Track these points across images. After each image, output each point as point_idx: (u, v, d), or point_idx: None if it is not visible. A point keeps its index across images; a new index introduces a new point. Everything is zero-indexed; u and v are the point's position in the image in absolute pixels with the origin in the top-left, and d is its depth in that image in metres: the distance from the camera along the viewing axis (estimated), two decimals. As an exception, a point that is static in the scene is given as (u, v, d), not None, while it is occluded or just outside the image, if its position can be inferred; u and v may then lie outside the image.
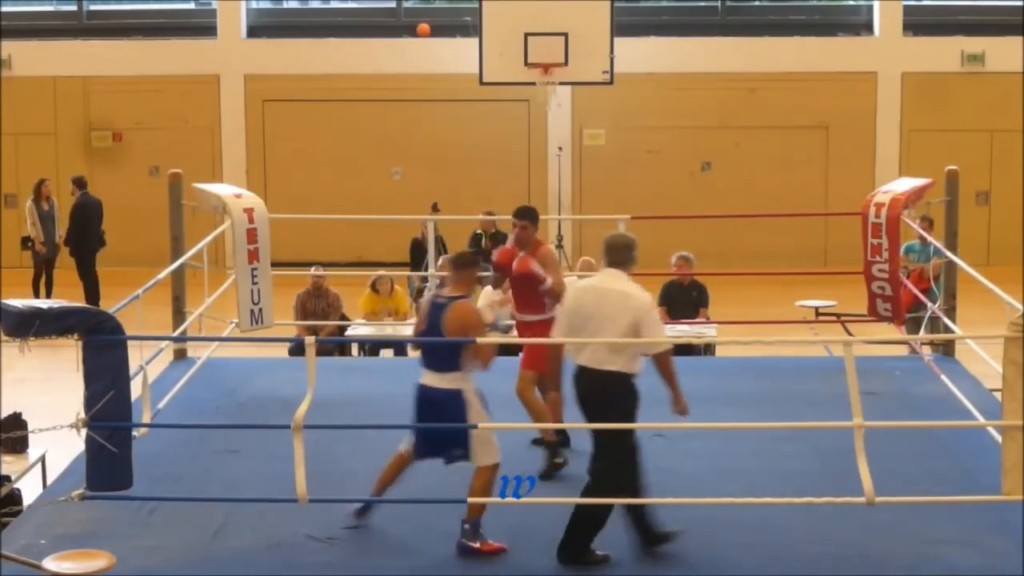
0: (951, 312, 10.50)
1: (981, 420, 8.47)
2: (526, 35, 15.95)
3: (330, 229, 18.27)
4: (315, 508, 6.98)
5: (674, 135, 19.58)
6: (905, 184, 10.67)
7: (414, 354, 12.88)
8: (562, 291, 7.97)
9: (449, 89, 19.13)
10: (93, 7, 20.50)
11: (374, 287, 12.94)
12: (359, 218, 16.99)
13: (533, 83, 16.22)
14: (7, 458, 8.87)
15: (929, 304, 10.58)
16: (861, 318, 11.32)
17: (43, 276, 16.46)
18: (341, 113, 19.76)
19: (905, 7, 19.75)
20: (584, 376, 6.75)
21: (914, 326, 11.21)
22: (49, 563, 6.44)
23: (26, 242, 16.61)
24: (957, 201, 10.72)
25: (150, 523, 7.20)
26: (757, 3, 20.82)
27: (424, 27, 18.15)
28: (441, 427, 6.92)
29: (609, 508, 6.71)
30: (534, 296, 8.09)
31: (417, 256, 15.10)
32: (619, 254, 6.85)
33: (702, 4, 20.52)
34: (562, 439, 8.15)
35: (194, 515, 7.28)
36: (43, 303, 6.85)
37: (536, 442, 8.20)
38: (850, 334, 11.81)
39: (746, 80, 19.48)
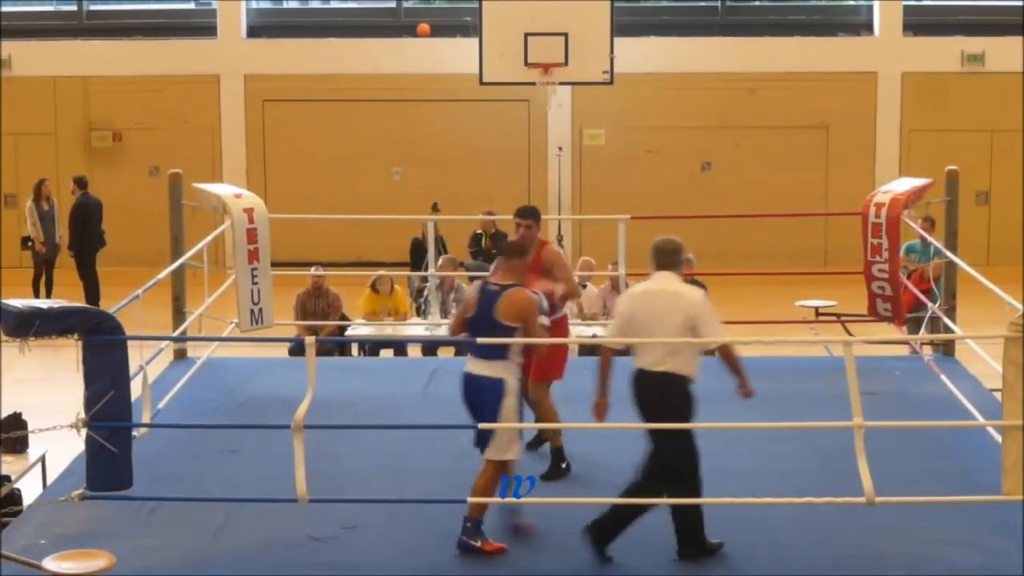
0: (951, 312, 10.50)
1: (981, 420, 8.47)
2: (526, 35, 15.94)
3: (330, 229, 18.27)
4: (315, 508, 6.98)
5: (674, 135, 19.58)
6: (905, 184, 10.68)
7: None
8: (575, 289, 7.97)
9: (449, 89, 19.13)
10: (93, 7, 20.50)
11: (374, 287, 12.94)
12: (359, 218, 16.99)
13: (533, 83, 16.21)
14: (7, 458, 8.87)
15: (929, 304, 10.58)
16: (861, 318, 11.32)
17: (43, 276, 16.46)
18: (341, 113, 19.76)
19: (905, 7, 19.75)
20: (642, 379, 6.76)
21: (914, 326, 11.21)
22: (49, 563, 6.44)
23: (26, 242, 16.61)
24: (957, 201, 10.72)
25: (150, 523, 7.20)
26: (757, 3, 20.82)
27: (424, 27, 18.15)
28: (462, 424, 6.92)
29: (695, 495, 6.73)
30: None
31: (417, 256, 15.09)
32: (668, 257, 6.91)
33: (702, 4, 20.52)
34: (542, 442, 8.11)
35: (194, 515, 7.28)
36: (43, 303, 6.86)
37: (532, 446, 8.17)
38: (850, 334, 11.81)
39: (746, 80, 19.48)
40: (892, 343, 11.51)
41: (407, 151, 19.78)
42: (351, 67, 19.67)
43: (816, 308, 13.53)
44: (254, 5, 20.56)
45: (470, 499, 6.87)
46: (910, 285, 11.33)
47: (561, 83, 16.35)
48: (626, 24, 17.71)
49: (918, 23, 19.75)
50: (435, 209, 14.61)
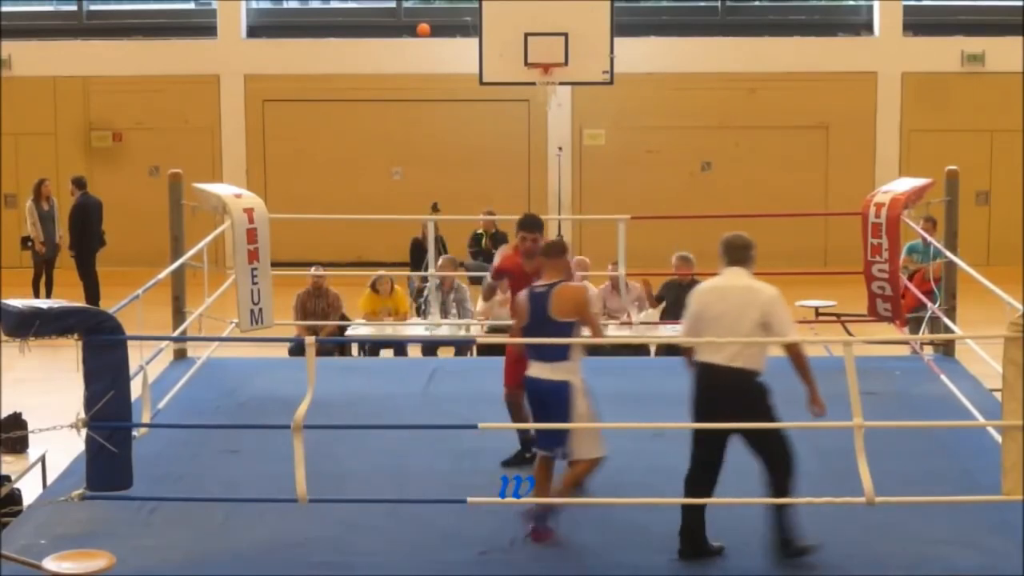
0: (951, 312, 10.50)
1: (981, 420, 8.47)
2: (526, 35, 15.94)
3: (330, 229, 18.27)
4: (315, 508, 6.98)
5: (674, 135, 19.58)
6: (905, 184, 10.68)
7: (442, 352, 12.91)
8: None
9: (449, 89, 19.13)
10: (93, 7, 20.50)
11: (374, 287, 12.93)
12: (359, 218, 16.99)
13: (533, 83, 16.21)
14: (7, 458, 8.87)
15: (929, 304, 10.58)
16: (861, 318, 11.32)
17: (43, 276, 16.46)
18: (341, 113, 19.76)
19: (905, 7, 19.75)
20: (714, 374, 6.71)
21: (914, 326, 11.21)
22: (49, 563, 6.45)
23: (26, 242, 16.61)
24: (957, 201, 10.73)
25: (150, 523, 7.20)
26: (757, 3, 20.82)
27: (424, 27, 18.15)
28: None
29: (788, 492, 6.72)
30: None
31: (417, 256, 15.10)
32: (740, 252, 6.91)
33: (702, 4, 20.52)
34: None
35: (194, 515, 7.28)
36: (43, 303, 6.86)
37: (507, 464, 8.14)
38: (850, 334, 11.81)
39: (746, 80, 19.48)
40: (892, 343, 11.50)
41: (407, 151, 19.78)
42: (351, 67, 19.67)
43: (816, 308, 13.53)
44: (254, 5, 20.56)
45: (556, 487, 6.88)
46: (911, 286, 11.33)
47: (561, 83, 16.34)
48: (626, 24, 17.70)
49: (918, 23, 19.76)
50: (435, 209, 14.61)
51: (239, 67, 19.82)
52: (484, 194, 18.19)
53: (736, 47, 19.57)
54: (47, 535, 6.98)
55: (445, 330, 12.36)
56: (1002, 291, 8.35)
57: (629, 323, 11.71)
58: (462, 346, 12.55)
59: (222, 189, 10.54)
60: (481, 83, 16.44)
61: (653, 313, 12.20)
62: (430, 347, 12.82)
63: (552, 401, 6.88)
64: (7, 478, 8.42)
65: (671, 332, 11.86)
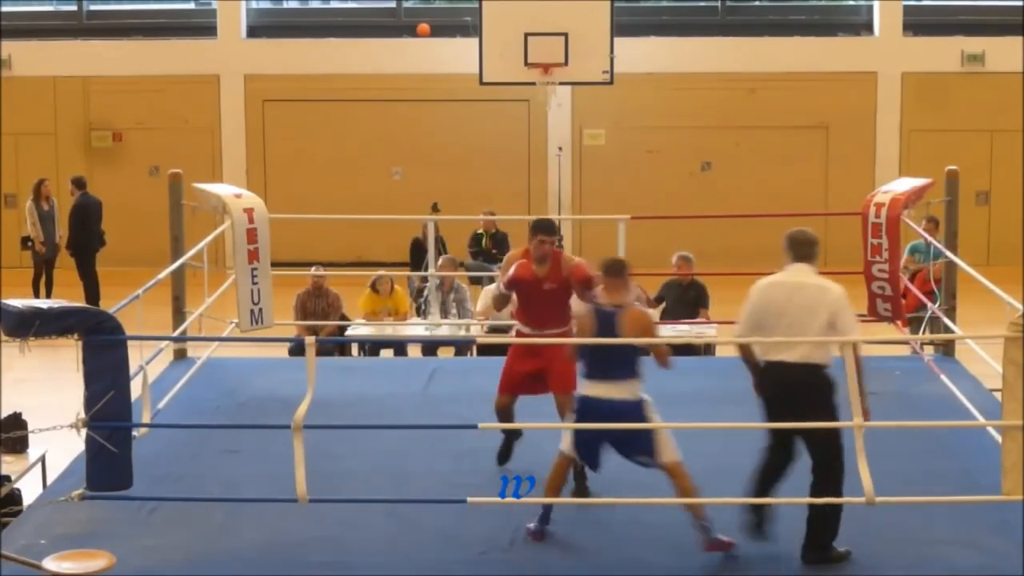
0: (951, 312, 10.50)
1: (981, 420, 8.47)
2: (526, 35, 15.94)
3: (330, 229, 18.27)
4: (315, 508, 6.98)
5: (674, 135, 19.57)
6: (905, 184, 10.67)
7: (442, 352, 12.91)
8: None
9: (449, 89, 19.12)
10: (93, 7, 20.50)
11: (374, 287, 12.93)
12: (359, 218, 16.99)
13: (533, 83, 16.21)
14: (7, 458, 8.87)
15: (929, 304, 10.58)
16: (861, 318, 11.30)
17: (43, 276, 16.46)
18: (341, 113, 19.76)
19: (905, 7, 19.75)
20: (785, 371, 6.71)
21: (914, 326, 11.21)
22: (49, 563, 6.45)
23: (26, 242, 16.61)
24: (957, 201, 10.73)
25: (150, 523, 7.20)
26: (757, 3, 20.82)
27: (424, 27, 18.15)
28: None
29: (839, 502, 6.72)
30: (562, 307, 7.87)
31: (417, 256, 15.10)
32: (805, 249, 6.90)
33: (702, 4, 20.52)
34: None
35: (194, 515, 7.28)
36: (43, 303, 6.85)
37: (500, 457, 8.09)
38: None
39: (746, 80, 19.48)
40: (892, 343, 11.50)
41: (407, 151, 19.78)
42: (351, 67, 19.67)
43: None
44: (254, 5, 20.56)
45: (687, 502, 6.82)
46: (912, 288, 11.33)
47: (561, 83, 16.35)
48: (626, 24, 17.70)
49: (918, 23, 19.75)
50: (435, 209, 14.62)
51: (239, 67, 19.82)
52: (484, 194, 18.19)
53: (736, 47, 19.57)
54: (47, 535, 6.98)
55: (445, 330, 12.36)
56: (1002, 291, 8.34)
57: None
58: (462, 346, 12.55)
59: (222, 189, 10.53)
60: (481, 83, 16.45)
61: (653, 313, 12.19)
62: (430, 347, 12.82)
63: (627, 418, 6.83)
64: (7, 478, 8.42)
65: (671, 332, 11.87)
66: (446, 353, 12.81)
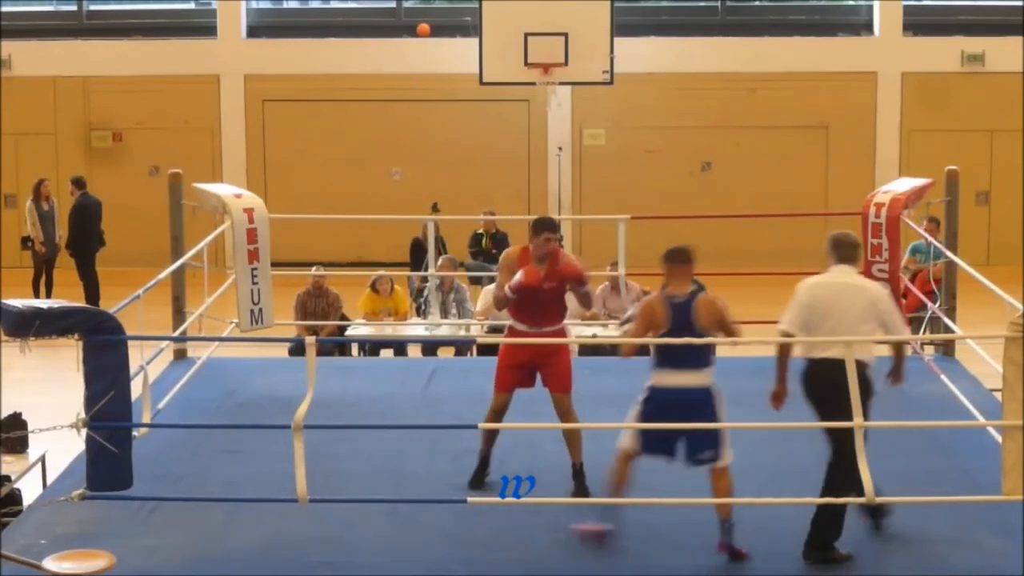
0: (951, 312, 10.50)
1: (981, 420, 8.47)
2: (526, 35, 15.94)
3: (330, 229, 18.27)
4: (315, 508, 6.98)
5: (674, 135, 19.58)
6: (905, 184, 10.68)
7: (442, 352, 12.91)
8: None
9: (449, 89, 19.12)
10: (93, 7, 20.49)
11: (374, 287, 12.93)
12: (359, 218, 16.98)
13: (533, 83, 16.21)
14: (7, 458, 8.87)
15: (929, 304, 10.58)
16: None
17: (43, 276, 16.46)
18: (341, 113, 19.76)
19: (905, 7, 19.75)
20: (835, 368, 6.72)
21: (915, 326, 11.21)
22: (49, 563, 6.45)
23: (26, 242, 16.61)
24: (957, 201, 10.73)
25: (150, 523, 7.20)
26: (757, 3, 20.82)
27: (424, 27, 18.14)
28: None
29: (844, 505, 6.76)
30: (558, 305, 7.84)
31: (417, 256, 15.10)
32: (849, 251, 7.02)
33: (702, 4, 20.52)
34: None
35: (194, 515, 7.28)
36: (43, 303, 6.85)
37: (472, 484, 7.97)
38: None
39: (746, 80, 19.48)
40: (892, 343, 11.47)
41: (407, 151, 19.78)
42: (351, 67, 19.67)
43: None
44: (254, 5, 20.56)
45: (722, 502, 6.83)
46: (913, 288, 11.32)
47: (561, 83, 16.34)
48: (626, 24, 17.70)
49: (918, 23, 19.75)
50: (435, 209, 14.61)
51: (239, 67, 19.82)
52: (484, 194, 18.19)
53: (736, 47, 19.57)
54: (47, 535, 6.98)
55: (445, 330, 12.36)
56: (1002, 291, 8.35)
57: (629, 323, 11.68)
58: (462, 346, 12.55)
59: (222, 189, 10.54)
60: (481, 83, 16.44)
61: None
62: (430, 347, 12.82)
63: (700, 406, 6.82)
64: (7, 478, 8.42)
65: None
66: (446, 353, 12.81)
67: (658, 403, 6.85)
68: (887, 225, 10.05)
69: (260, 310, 10.01)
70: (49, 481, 8.54)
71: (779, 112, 19.46)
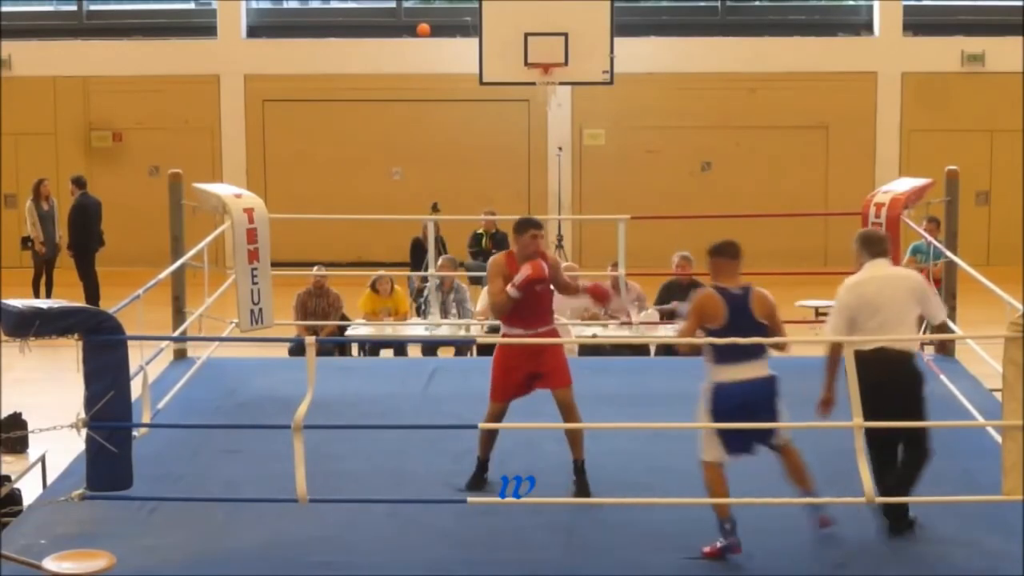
0: (951, 312, 10.49)
1: (981, 420, 8.47)
2: (526, 35, 15.95)
3: (330, 229, 18.27)
4: (315, 508, 6.98)
5: (674, 135, 19.58)
6: (905, 184, 10.68)
7: (442, 352, 12.91)
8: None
9: (449, 89, 19.13)
10: (93, 7, 20.50)
11: (374, 287, 12.93)
12: (359, 218, 16.99)
13: (533, 83, 16.22)
14: (7, 458, 8.87)
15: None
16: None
17: (43, 276, 16.46)
18: (341, 113, 19.77)
19: (905, 7, 19.76)
20: (890, 359, 6.89)
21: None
22: (49, 563, 6.44)
23: (26, 242, 16.61)
24: (957, 201, 10.73)
25: (150, 523, 7.19)
26: (757, 3, 20.82)
27: (424, 27, 18.15)
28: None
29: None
30: (548, 305, 7.78)
31: (417, 256, 15.10)
32: (880, 245, 7.26)
33: (702, 4, 20.52)
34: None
35: (194, 515, 7.28)
36: (43, 303, 6.85)
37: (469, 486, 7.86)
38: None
39: (746, 80, 19.48)
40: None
41: (407, 151, 19.79)
42: (351, 67, 19.67)
43: (816, 308, 13.52)
44: (254, 5, 20.56)
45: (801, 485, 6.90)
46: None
47: (561, 83, 16.35)
48: (626, 24, 17.71)
49: (918, 23, 19.76)
50: (435, 209, 14.62)
51: (239, 67, 19.83)
52: (484, 194, 18.19)
53: (736, 47, 19.58)
54: (47, 535, 6.98)
55: (445, 330, 12.36)
56: (1002, 291, 8.34)
57: (629, 323, 11.71)
58: (462, 346, 12.55)
59: (222, 189, 10.54)
60: (481, 83, 16.46)
61: (653, 313, 12.20)
62: (430, 347, 12.82)
63: (769, 397, 6.83)
64: (7, 478, 8.41)
65: (670, 332, 11.87)
66: (446, 353, 12.81)
67: (727, 401, 6.82)
68: (887, 225, 10.05)
69: (260, 310, 10.01)
70: (49, 481, 8.54)
71: (779, 112, 19.46)
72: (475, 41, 16.44)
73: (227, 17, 19.92)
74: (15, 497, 8.33)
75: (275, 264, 10.36)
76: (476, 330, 12.19)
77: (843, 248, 14.54)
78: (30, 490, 8.56)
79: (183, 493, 7.61)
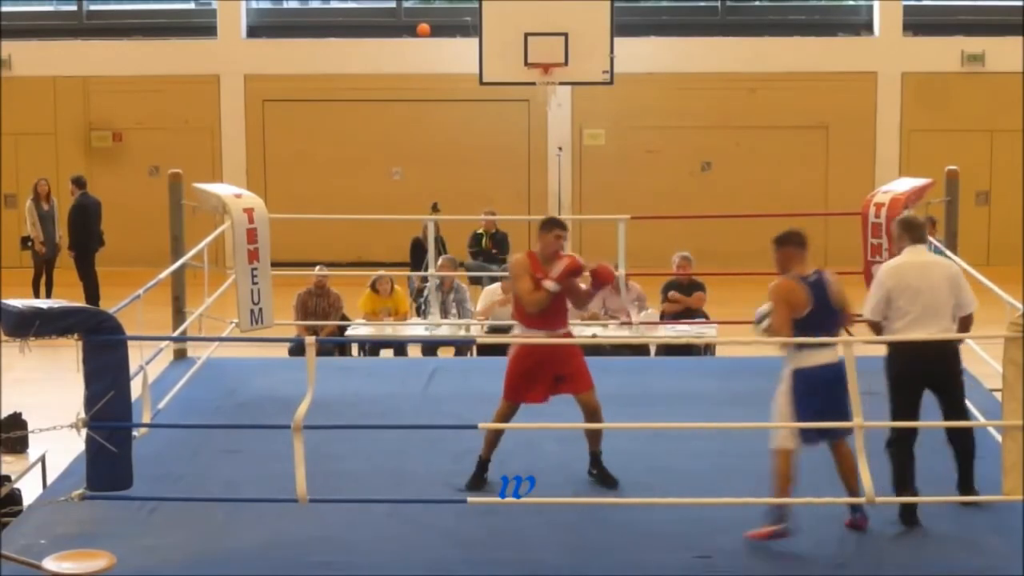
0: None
1: (981, 420, 8.47)
2: (526, 35, 15.94)
3: (330, 229, 18.26)
4: (315, 508, 6.98)
5: (674, 135, 19.57)
6: (905, 184, 10.69)
7: (442, 352, 12.91)
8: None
9: (449, 89, 19.12)
10: (93, 7, 20.49)
11: (374, 287, 12.93)
12: (359, 218, 16.97)
13: (533, 83, 16.20)
14: (7, 458, 8.87)
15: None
16: (861, 318, 11.30)
17: (43, 276, 16.46)
18: (341, 113, 19.76)
19: (905, 7, 19.74)
20: (932, 346, 7.02)
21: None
22: (49, 563, 6.45)
23: (26, 242, 16.61)
24: (957, 201, 10.73)
25: (150, 523, 7.20)
26: (757, 3, 20.82)
27: (424, 27, 18.14)
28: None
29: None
30: (564, 305, 7.77)
31: (417, 256, 15.10)
32: (920, 231, 7.37)
33: (702, 4, 20.52)
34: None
35: (194, 515, 7.29)
36: (43, 303, 6.86)
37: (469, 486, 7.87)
38: (850, 334, 11.79)
39: (746, 80, 19.47)
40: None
41: (407, 151, 19.78)
42: (351, 67, 19.66)
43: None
44: (254, 5, 20.55)
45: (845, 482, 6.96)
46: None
47: (561, 83, 16.34)
48: (626, 24, 17.70)
49: (918, 23, 19.75)
50: (435, 209, 14.62)
51: (239, 67, 19.82)
52: (484, 194, 18.18)
53: (736, 47, 19.57)
54: (47, 535, 6.98)
55: (445, 330, 12.36)
56: (1002, 291, 8.35)
57: (629, 323, 11.71)
58: (462, 346, 12.55)
59: (222, 189, 10.55)
60: (481, 83, 16.44)
61: (653, 313, 12.20)
62: (430, 347, 12.82)
63: (843, 380, 6.81)
64: (7, 478, 8.42)
65: (670, 332, 11.88)
66: (446, 353, 12.81)
67: (808, 386, 6.87)
68: (887, 225, 10.05)
69: (260, 310, 10.02)
70: (49, 481, 8.54)
71: (779, 112, 19.46)
72: (475, 41, 16.44)
73: (227, 17, 19.90)
74: (15, 497, 8.33)
75: (275, 264, 10.36)
76: (476, 330, 12.19)
77: (843, 248, 14.57)
78: (30, 490, 8.57)
79: (183, 493, 7.62)
